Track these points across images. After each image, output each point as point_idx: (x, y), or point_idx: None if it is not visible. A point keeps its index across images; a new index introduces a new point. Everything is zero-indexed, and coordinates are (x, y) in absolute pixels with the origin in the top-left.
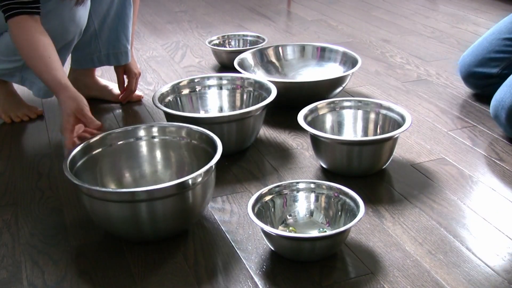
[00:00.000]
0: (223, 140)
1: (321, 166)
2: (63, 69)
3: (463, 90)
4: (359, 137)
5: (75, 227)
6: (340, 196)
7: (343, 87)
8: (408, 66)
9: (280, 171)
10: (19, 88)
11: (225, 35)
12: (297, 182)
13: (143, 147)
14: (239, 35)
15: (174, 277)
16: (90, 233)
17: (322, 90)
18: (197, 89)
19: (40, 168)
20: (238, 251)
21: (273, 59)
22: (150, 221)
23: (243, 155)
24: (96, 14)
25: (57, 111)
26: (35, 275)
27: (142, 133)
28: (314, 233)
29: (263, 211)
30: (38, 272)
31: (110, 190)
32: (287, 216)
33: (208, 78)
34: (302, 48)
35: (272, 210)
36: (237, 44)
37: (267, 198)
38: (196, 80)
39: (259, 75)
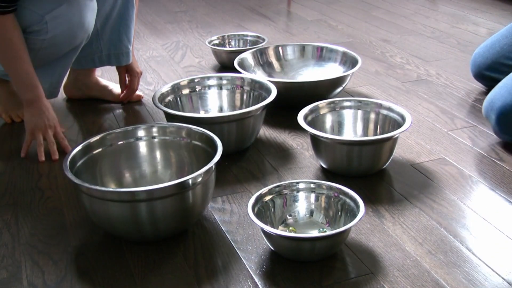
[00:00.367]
0: (223, 140)
1: (321, 166)
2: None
3: (463, 90)
4: (359, 137)
5: (75, 227)
6: (340, 196)
7: (343, 87)
8: (408, 66)
9: (280, 171)
10: None
11: (225, 35)
12: (297, 182)
13: (143, 147)
14: (239, 35)
15: (174, 277)
16: (90, 233)
17: (322, 90)
18: (197, 89)
19: (40, 168)
20: (238, 251)
21: (273, 59)
22: (150, 221)
23: (243, 155)
24: (98, 14)
25: (57, 111)
26: (35, 275)
27: (142, 133)
28: (314, 233)
29: (263, 211)
30: (38, 272)
31: (110, 189)
32: (287, 216)
33: (208, 78)
34: (302, 48)
35: (272, 210)
36: (237, 44)
37: (267, 198)
38: (196, 80)
39: (259, 75)
